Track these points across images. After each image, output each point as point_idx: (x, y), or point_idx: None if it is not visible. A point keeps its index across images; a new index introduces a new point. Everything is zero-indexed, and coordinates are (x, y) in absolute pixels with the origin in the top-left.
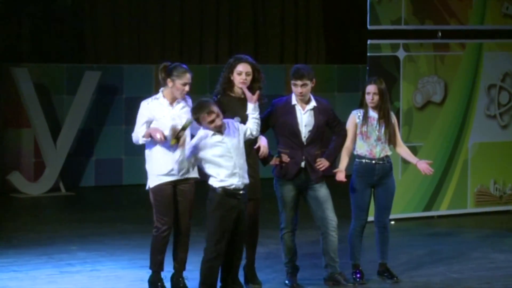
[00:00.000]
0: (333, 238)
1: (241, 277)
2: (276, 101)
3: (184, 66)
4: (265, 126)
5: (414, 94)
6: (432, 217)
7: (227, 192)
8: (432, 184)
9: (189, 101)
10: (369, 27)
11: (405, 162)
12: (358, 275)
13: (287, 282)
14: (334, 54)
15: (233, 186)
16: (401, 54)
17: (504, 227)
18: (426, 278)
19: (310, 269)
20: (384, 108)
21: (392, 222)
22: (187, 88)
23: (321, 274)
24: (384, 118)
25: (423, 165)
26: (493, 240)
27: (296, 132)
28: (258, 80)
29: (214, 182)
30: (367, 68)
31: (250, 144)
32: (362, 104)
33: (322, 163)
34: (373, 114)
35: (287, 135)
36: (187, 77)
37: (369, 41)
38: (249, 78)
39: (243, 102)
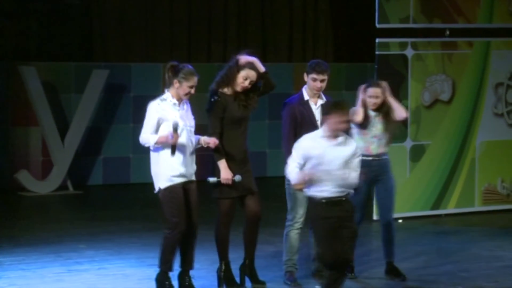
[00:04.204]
0: None
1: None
2: (289, 101)
3: (191, 67)
4: (293, 129)
5: (422, 93)
6: (439, 215)
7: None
8: (439, 182)
9: (187, 102)
10: (377, 25)
11: (413, 161)
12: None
13: (286, 281)
14: (342, 52)
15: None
16: (409, 52)
17: None
18: (434, 276)
19: (309, 269)
20: (383, 106)
21: (400, 221)
22: (193, 91)
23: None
24: (382, 115)
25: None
26: (501, 238)
27: (316, 126)
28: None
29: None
30: (376, 66)
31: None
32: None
33: None
34: (372, 112)
35: (304, 132)
36: (195, 80)
37: (377, 40)
38: (250, 84)
39: (238, 100)
